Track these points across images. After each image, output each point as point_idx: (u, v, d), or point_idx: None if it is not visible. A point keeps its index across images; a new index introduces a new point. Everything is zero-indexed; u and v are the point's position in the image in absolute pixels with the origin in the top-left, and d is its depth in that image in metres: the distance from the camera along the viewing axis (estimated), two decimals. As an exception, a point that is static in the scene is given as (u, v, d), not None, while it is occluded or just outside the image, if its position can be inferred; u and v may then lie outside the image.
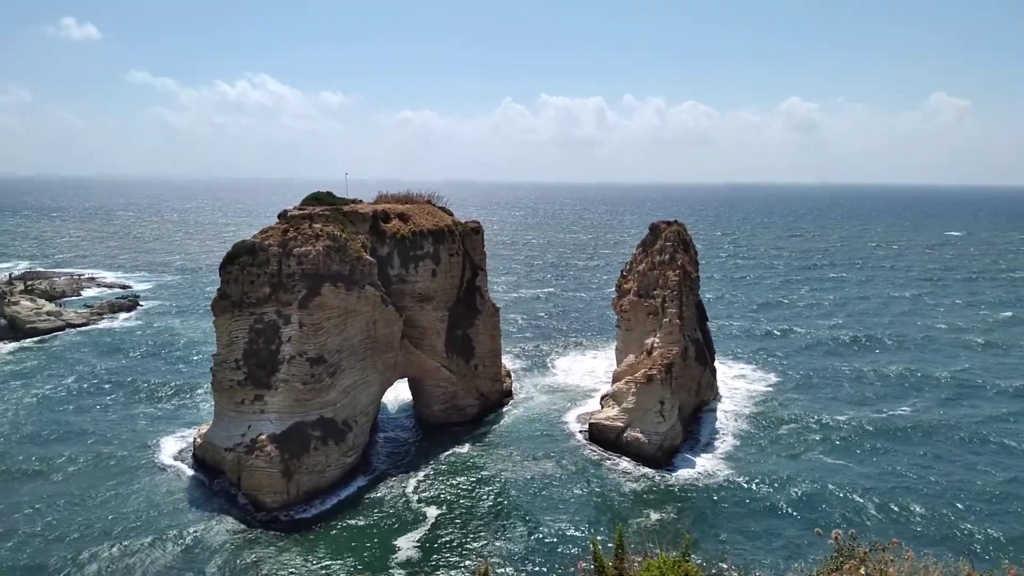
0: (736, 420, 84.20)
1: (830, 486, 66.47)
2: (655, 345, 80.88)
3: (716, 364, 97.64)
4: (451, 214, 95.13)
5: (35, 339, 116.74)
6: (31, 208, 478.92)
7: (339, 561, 54.25)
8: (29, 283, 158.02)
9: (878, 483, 67.52)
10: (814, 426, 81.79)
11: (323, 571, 52.77)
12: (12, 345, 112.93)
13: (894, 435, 79.33)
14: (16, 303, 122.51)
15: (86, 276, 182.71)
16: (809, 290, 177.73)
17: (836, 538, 15.10)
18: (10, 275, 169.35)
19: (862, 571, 14.04)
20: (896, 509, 62.35)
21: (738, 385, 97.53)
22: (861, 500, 63.90)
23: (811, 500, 64.15)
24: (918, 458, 73.38)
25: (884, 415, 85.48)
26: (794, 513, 61.89)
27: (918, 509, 62.23)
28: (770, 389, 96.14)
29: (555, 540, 57.42)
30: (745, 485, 67.25)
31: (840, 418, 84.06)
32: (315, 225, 72.69)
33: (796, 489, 65.94)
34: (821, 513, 61.61)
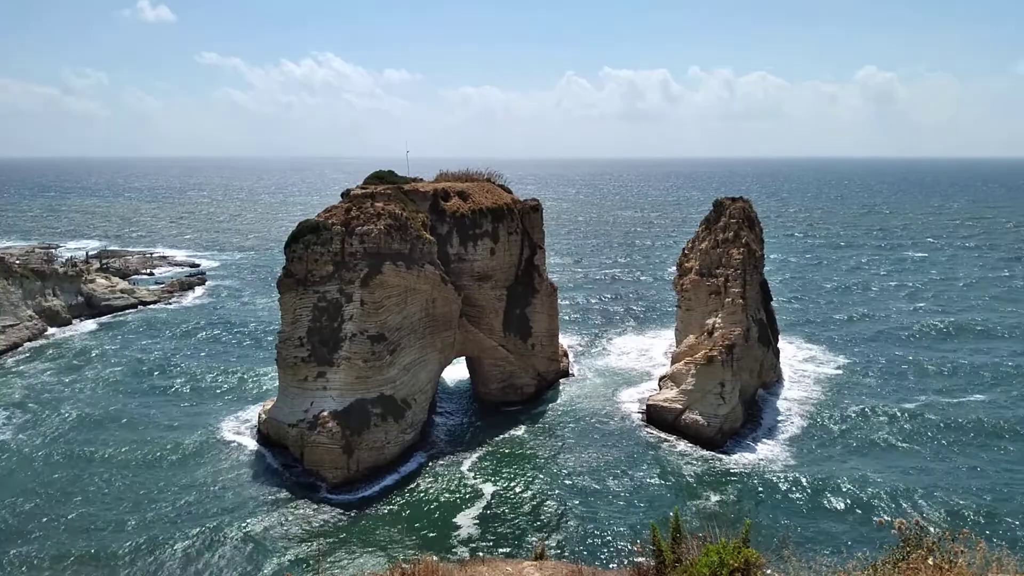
0: (800, 404, 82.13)
1: (896, 477, 63.98)
2: (716, 325, 79.49)
3: (784, 345, 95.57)
4: (510, 192, 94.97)
5: (110, 316, 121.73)
6: (108, 188, 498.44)
7: (400, 537, 55.26)
8: (104, 261, 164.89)
9: (948, 478, 64.00)
10: (884, 414, 78.19)
11: (385, 546, 53.81)
12: (89, 323, 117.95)
13: (972, 430, 73.98)
14: (92, 281, 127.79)
15: (158, 255, 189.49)
16: (887, 270, 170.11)
17: (900, 527, 14.56)
18: (86, 254, 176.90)
19: (930, 561, 13.50)
20: (966, 504, 59.02)
21: (807, 368, 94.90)
22: (928, 493, 61.06)
23: (876, 489, 61.72)
24: (995, 456, 68.89)
25: (962, 408, 79.71)
26: (857, 502, 59.89)
27: (991, 507, 58.72)
28: (840, 372, 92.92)
29: (611, 522, 57.28)
30: (807, 471, 65.61)
31: (912, 407, 79.88)
32: (377, 204, 73.54)
33: (860, 478, 63.69)
34: (885, 503, 59.38)
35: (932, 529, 14.44)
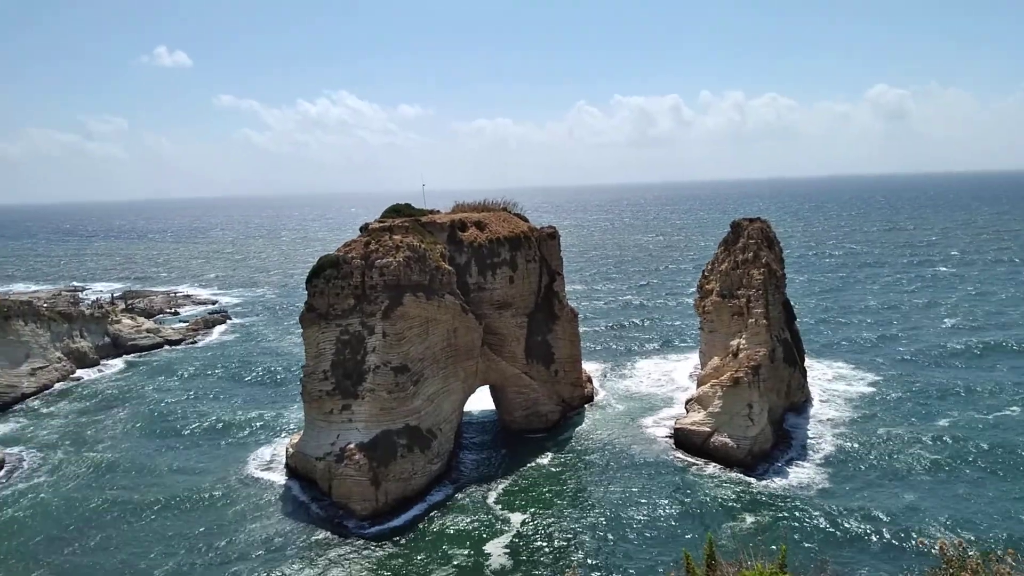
0: (832, 425, 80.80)
1: (934, 498, 62.53)
2: (741, 346, 78.83)
3: (813, 365, 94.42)
4: (527, 220, 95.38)
5: (136, 355, 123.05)
6: (131, 231, 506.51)
7: (431, 568, 54.85)
8: (129, 302, 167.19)
9: (987, 500, 62.04)
10: (918, 434, 76.33)
11: (413, 578, 53.45)
12: (116, 361, 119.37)
13: (1010, 450, 71.49)
14: (118, 321, 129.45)
15: (182, 294, 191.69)
16: (916, 287, 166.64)
17: (942, 548, 14.31)
18: (112, 295, 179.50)
19: (975, 583, 13.24)
20: (1007, 526, 57.40)
21: (837, 387, 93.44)
22: (967, 516, 59.39)
23: (913, 511, 60.39)
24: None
25: (999, 427, 77.39)
26: (895, 524, 58.44)
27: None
28: (871, 391, 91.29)
29: (643, 548, 56.53)
30: (841, 493, 64.48)
31: (947, 425, 78.32)
32: (395, 236, 74.15)
33: (897, 499, 62.50)
34: (923, 525, 57.90)
35: (973, 551, 14.15)
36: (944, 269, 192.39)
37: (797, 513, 61.23)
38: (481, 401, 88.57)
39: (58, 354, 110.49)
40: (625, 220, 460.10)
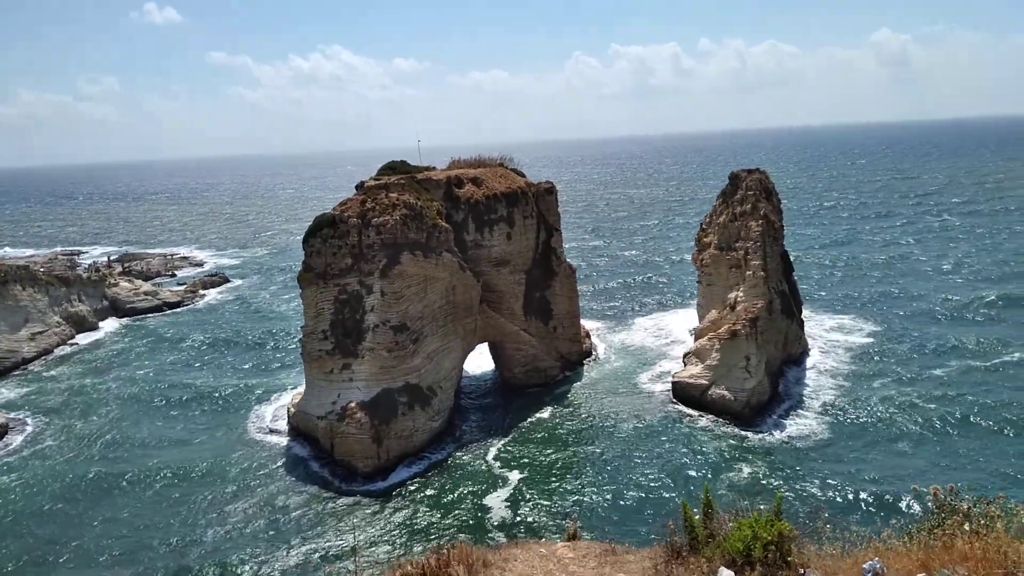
0: (828, 374, 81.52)
1: (929, 447, 63.33)
2: (738, 299, 78.98)
3: (813, 316, 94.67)
4: (524, 176, 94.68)
5: (134, 318, 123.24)
6: (125, 193, 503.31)
7: (433, 523, 55.76)
8: (126, 265, 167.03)
9: (985, 447, 62.85)
10: (915, 384, 76.93)
11: (419, 533, 54.34)
12: (114, 324, 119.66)
13: (1008, 397, 71.78)
14: (116, 284, 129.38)
15: (179, 256, 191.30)
16: (920, 237, 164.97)
17: (935, 493, 14.41)
18: (108, 258, 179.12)
19: (967, 527, 13.37)
20: (1006, 473, 58.25)
21: (835, 337, 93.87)
22: (963, 462, 60.39)
23: (908, 460, 61.46)
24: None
25: (1000, 383, 76.57)
26: (890, 472, 59.40)
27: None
28: (870, 341, 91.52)
29: (642, 500, 57.40)
30: (836, 442, 65.32)
31: (945, 376, 78.50)
32: (391, 195, 73.67)
33: (893, 448, 63.40)
34: (918, 473, 58.83)
35: (967, 496, 14.27)
36: (949, 218, 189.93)
37: (793, 463, 62.08)
38: (480, 358, 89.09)
39: (57, 318, 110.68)
40: (625, 174, 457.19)
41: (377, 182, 78.07)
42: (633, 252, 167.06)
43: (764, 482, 58.56)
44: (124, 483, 63.24)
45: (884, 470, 59.73)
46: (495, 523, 55.35)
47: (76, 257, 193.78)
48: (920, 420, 68.33)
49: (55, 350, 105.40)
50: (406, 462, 65.42)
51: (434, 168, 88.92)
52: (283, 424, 74.45)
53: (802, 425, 69.33)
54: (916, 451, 62.63)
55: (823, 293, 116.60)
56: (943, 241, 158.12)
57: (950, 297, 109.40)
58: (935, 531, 13.68)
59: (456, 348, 77.03)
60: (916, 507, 49.82)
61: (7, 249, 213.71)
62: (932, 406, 71.19)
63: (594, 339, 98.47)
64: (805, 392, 77.31)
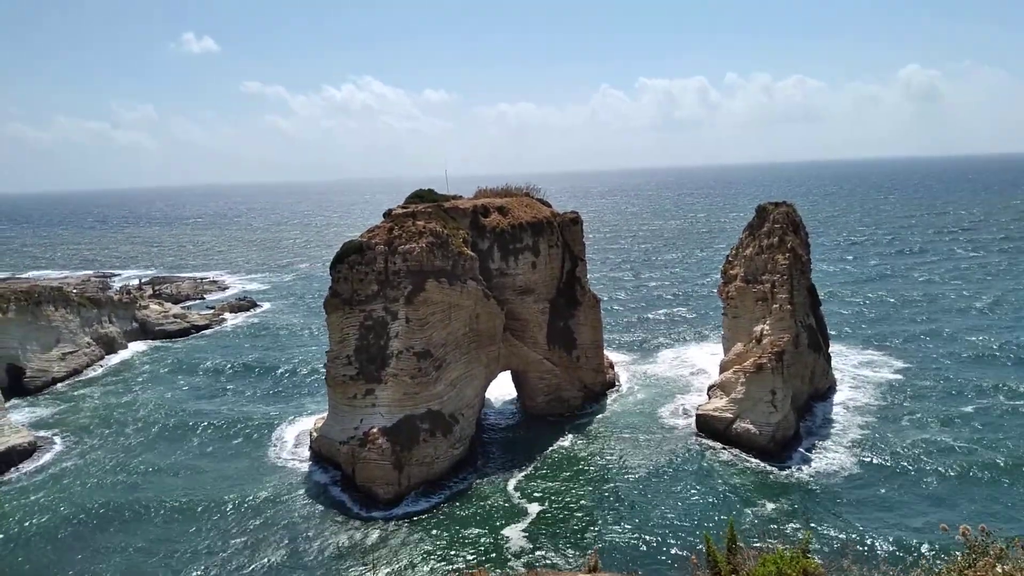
0: (855, 410, 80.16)
1: (958, 484, 61.85)
2: (765, 332, 78.25)
3: (840, 350, 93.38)
4: (549, 205, 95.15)
5: (163, 340, 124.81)
6: (158, 218, 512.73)
7: (452, 551, 55.40)
8: (157, 288, 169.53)
9: (1012, 488, 61.14)
10: (943, 422, 75.53)
11: (437, 561, 54.02)
12: (143, 346, 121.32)
13: None
14: (146, 307, 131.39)
15: (209, 279, 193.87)
16: (951, 272, 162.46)
17: (964, 534, 14.16)
18: (140, 280, 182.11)
19: (999, 569, 13.11)
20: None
21: (864, 373, 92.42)
22: (993, 501, 58.98)
23: (937, 495, 60.16)
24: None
25: None
26: (918, 509, 58.23)
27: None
28: (898, 377, 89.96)
29: (665, 533, 56.59)
30: (863, 478, 64.03)
31: (974, 414, 76.95)
32: (418, 222, 74.37)
33: (920, 485, 62.04)
34: (949, 509, 57.69)
35: (996, 539, 13.99)
36: (983, 255, 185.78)
37: (819, 500, 60.96)
38: (503, 387, 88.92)
39: (87, 339, 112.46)
40: (650, 205, 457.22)
41: (404, 210, 78.93)
42: (658, 283, 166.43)
43: (789, 518, 57.51)
44: (146, 506, 63.59)
45: (912, 508, 58.42)
46: (515, 553, 54.85)
47: (108, 280, 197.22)
48: (949, 459, 66.69)
49: (85, 370, 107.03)
50: (426, 489, 65.20)
51: (461, 197, 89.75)
52: (305, 449, 74.67)
53: (828, 460, 68.12)
54: (944, 490, 61.13)
55: (852, 328, 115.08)
56: (977, 278, 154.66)
57: (983, 336, 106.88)
58: (965, 572, 13.42)
59: (479, 376, 77.01)
60: (945, 547, 48.58)
61: (47, 272, 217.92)
62: (962, 445, 69.61)
63: (618, 370, 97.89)
64: (832, 428, 76.07)
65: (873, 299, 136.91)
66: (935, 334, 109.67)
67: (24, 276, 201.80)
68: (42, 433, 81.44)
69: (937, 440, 70.80)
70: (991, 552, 13.68)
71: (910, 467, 65.64)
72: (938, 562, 13.97)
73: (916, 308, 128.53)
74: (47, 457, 75.29)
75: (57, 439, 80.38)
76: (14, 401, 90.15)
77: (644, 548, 54.63)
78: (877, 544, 52.93)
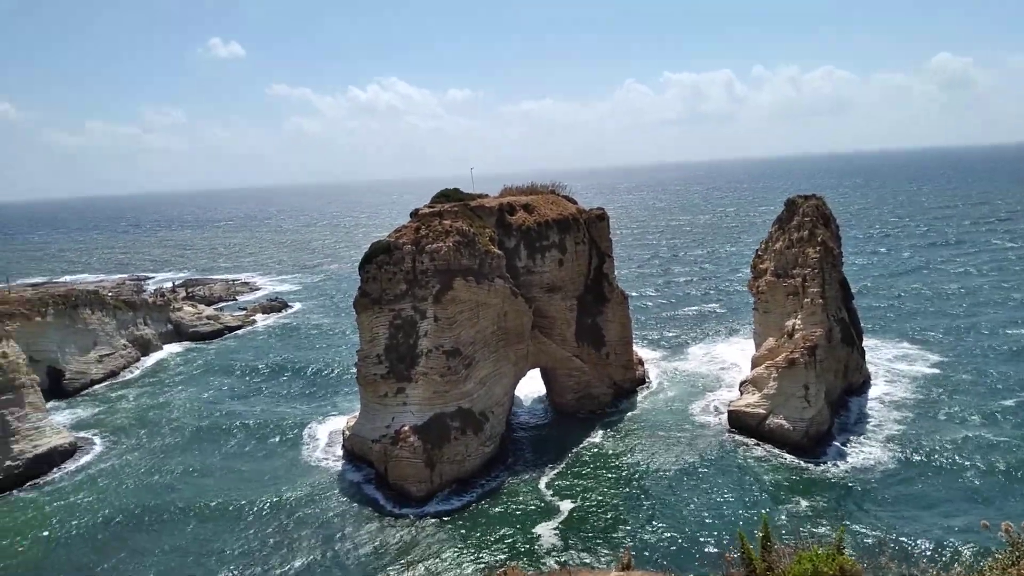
0: (891, 404, 78.98)
1: (998, 480, 60.61)
2: (796, 327, 77.40)
3: (876, 344, 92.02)
4: (575, 202, 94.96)
5: (197, 342, 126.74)
6: (190, 221, 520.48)
7: (485, 548, 55.62)
8: (190, 290, 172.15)
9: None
10: (981, 412, 74.49)
11: (470, 558, 54.27)
12: (178, 347, 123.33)
13: None
14: (180, 309, 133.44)
15: (240, 281, 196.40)
16: (989, 264, 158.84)
17: (1007, 531, 13.94)
18: (173, 283, 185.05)
19: (1042, 567, 12.89)
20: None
21: (899, 367, 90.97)
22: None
23: (976, 492, 59.00)
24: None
25: None
26: (958, 506, 57.17)
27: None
28: (934, 371, 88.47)
29: (698, 530, 56.28)
30: (900, 473, 63.10)
31: (1010, 402, 75.77)
32: (445, 221, 74.69)
33: (958, 481, 60.94)
34: (989, 505, 56.61)
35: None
36: (1020, 246, 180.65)
37: (855, 496, 60.18)
38: (532, 384, 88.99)
39: (123, 341, 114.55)
40: (677, 200, 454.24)
41: (431, 209, 79.30)
42: (687, 279, 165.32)
43: (824, 514, 56.85)
44: (183, 507, 64.52)
45: (951, 506, 57.40)
46: (547, 550, 54.91)
47: (142, 282, 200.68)
48: (989, 455, 65.38)
49: (122, 372, 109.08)
50: (458, 487, 65.53)
51: (486, 195, 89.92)
52: (338, 448, 75.42)
53: (864, 456, 67.20)
54: (985, 487, 59.91)
55: (887, 322, 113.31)
56: (1016, 270, 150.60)
57: (1022, 329, 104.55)
58: (1009, 570, 13.21)
59: (508, 374, 77.16)
60: (986, 546, 47.70)
61: (83, 275, 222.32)
62: (1002, 440, 68.26)
63: (648, 366, 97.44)
64: (867, 423, 75.04)
65: (908, 292, 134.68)
66: (972, 327, 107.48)
67: (61, 280, 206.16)
68: (82, 434, 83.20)
69: (976, 436, 69.48)
70: (1034, 549, 13.46)
71: (948, 463, 64.53)
72: (980, 560, 13.74)
73: (952, 301, 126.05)
74: (87, 458, 76.92)
75: (97, 439, 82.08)
76: (54, 403, 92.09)
77: (677, 546, 54.38)
78: (915, 542, 52.11)
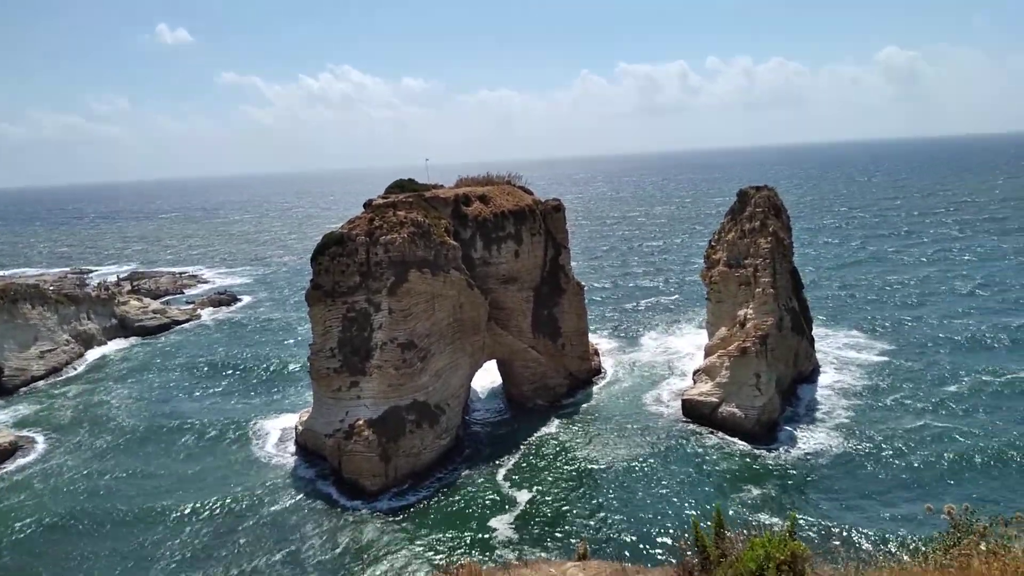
0: (841, 392, 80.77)
1: (943, 464, 62.33)
2: (748, 316, 78.66)
3: (826, 333, 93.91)
4: (531, 193, 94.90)
5: (143, 337, 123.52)
6: (136, 212, 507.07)
7: (441, 543, 55.29)
8: (136, 283, 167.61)
9: (1000, 465, 61.90)
10: (927, 401, 76.39)
11: (426, 553, 53.89)
12: (123, 342, 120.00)
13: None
14: (125, 303, 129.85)
15: (188, 274, 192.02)
16: (935, 251, 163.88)
17: (949, 513, 14.19)
18: (118, 276, 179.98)
19: (982, 547, 13.14)
20: (1019, 492, 57.50)
21: (848, 356, 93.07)
22: (977, 479, 59.69)
23: (922, 477, 60.62)
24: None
25: (1013, 398, 76.22)
26: (905, 489, 58.76)
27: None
28: (883, 359, 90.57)
29: (653, 519, 56.83)
30: (849, 460, 64.54)
31: (958, 394, 77.72)
32: (399, 212, 73.87)
33: (905, 466, 62.50)
34: (933, 490, 58.17)
35: (988, 513, 14.02)
36: (967, 236, 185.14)
37: (805, 482, 61.45)
38: (488, 376, 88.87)
39: (66, 336, 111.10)
40: (633, 191, 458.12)
41: (385, 200, 78.35)
42: (642, 270, 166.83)
43: (776, 501, 57.94)
44: (129, 508, 62.64)
45: (897, 489, 59.00)
46: (504, 542, 54.89)
47: (86, 276, 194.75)
48: (935, 443, 67.15)
49: (64, 368, 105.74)
50: (414, 480, 65.09)
51: (442, 186, 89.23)
52: (290, 444, 74.28)
53: (814, 443, 68.66)
54: (930, 474, 61.53)
55: (837, 311, 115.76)
56: (964, 260, 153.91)
57: (970, 319, 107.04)
58: (951, 551, 13.46)
59: (464, 366, 76.86)
60: (930, 527, 49.17)
61: (23, 269, 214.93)
62: (946, 425, 70.35)
63: (603, 357, 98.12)
64: (817, 410, 76.66)
65: (857, 282, 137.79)
66: (920, 317, 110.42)
67: None
68: (23, 433, 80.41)
69: (922, 423, 71.43)
70: (976, 530, 13.73)
71: (895, 450, 66.19)
72: (925, 544, 13.99)
73: (901, 290, 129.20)
74: (28, 458, 74.21)
75: (38, 438, 79.34)
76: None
77: (633, 535, 54.83)
78: (863, 525, 53.43)
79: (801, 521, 51.81)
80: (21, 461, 73.40)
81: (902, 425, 71.03)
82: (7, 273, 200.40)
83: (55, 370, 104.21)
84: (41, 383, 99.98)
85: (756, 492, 59.89)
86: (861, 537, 50.82)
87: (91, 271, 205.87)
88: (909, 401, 76.98)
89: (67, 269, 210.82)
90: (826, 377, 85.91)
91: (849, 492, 59.07)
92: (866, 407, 76.41)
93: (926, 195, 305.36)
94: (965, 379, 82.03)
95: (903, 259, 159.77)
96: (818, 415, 75.37)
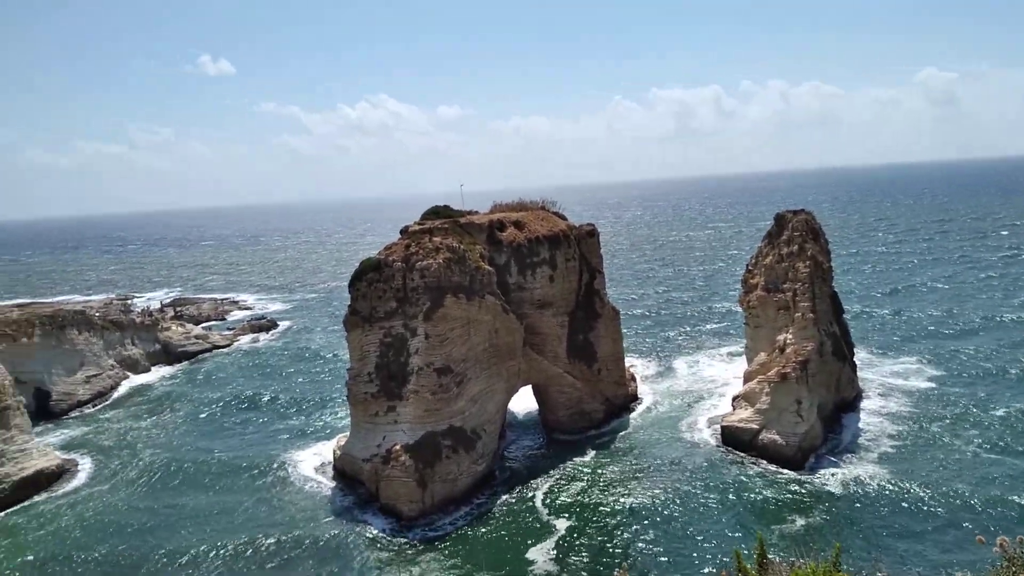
0: (885, 419, 78.86)
1: (993, 494, 60.36)
2: (788, 341, 77.40)
3: (870, 359, 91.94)
4: (565, 218, 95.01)
5: (186, 362, 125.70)
6: (179, 239, 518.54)
7: (482, 569, 54.90)
8: (178, 309, 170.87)
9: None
10: (977, 426, 74.39)
11: (461, 579, 53.57)
12: (166, 369, 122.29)
13: None
14: (168, 328, 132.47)
15: (229, 300, 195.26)
16: (986, 276, 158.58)
17: (1002, 545, 13.74)
18: (161, 303, 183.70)
19: (1038, 581, 12.70)
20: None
21: (893, 382, 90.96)
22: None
23: (971, 506, 58.78)
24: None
25: None
26: (953, 519, 56.95)
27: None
28: (929, 386, 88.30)
29: (693, 549, 55.82)
30: (895, 488, 62.82)
31: (1004, 415, 75.61)
32: (435, 239, 74.50)
33: (953, 495, 60.67)
34: (984, 519, 56.35)
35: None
36: (1011, 254, 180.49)
37: (849, 511, 59.93)
38: (524, 401, 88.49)
39: (111, 361, 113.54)
40: (667, 216, 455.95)
41: (421, 227, 79.12)
42: (679, 294, 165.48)
43: (819, 531, 56.49)
44: (172, 524, 63.84)
45: (945, 520, 57.17)
46: (543, 570, 54.31)
47: (130, 302, 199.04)
48: (983, 470, 65.27)
49: (109, 393, 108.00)
50: (451, 506, 64.87)
51: (477, 212, 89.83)
52: (328, 468, 74.60)
53: (858, 470, 66.97)
54: (979, 502, 59.65)
55: (881, 336, 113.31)
56: (1016, 286, 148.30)
57: (1020, 345, 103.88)
58: (1005, 585, 13.02)
59: (500, 391, 76.75)
60: (982, 560, 47.48)
61: (70, 296, 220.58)
62: (995, 456, 68.25)
63: (640, 382, 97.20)
64: (860, 438, 74.87)
65: (909, 308, 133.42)
66: (969, 343, 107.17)
67: (47, 301, 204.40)
68: (69, 455, 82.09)
69: (969, 451, 69.45)
70: (1032, 564, 13.26)
71: (942, 478, 64.32)
72: (975, 573, 13.55)
73: (955, 318, 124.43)
74: (75, 482, 75.67)
75: (85, 461, 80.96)
76: (42, 425, 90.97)
77: (673, 564, 53.89)
78: (910, 557, 51.85)
79: (845, 551, 50.36)
80: (68, 486, 74.80)
81: (950, 455, 68.97)
82: (55, 300, 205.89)
83: (100, 395, 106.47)
84: (87, 407, 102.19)
85: (798, 521, 58.53)
86: (909, 570, 49.26)
87: (135, 297, 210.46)
88: (956, 430, 74.80)
89: (112, 295, 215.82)
90: (870, 403, 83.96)
91: (895, 522, 57.40)
92: (911, 435, 74.41)
93: (975, 218, 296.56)
94: (1014, 409, 79.47)
95: (956, 285, 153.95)
96: (862, 441, 73.61)
